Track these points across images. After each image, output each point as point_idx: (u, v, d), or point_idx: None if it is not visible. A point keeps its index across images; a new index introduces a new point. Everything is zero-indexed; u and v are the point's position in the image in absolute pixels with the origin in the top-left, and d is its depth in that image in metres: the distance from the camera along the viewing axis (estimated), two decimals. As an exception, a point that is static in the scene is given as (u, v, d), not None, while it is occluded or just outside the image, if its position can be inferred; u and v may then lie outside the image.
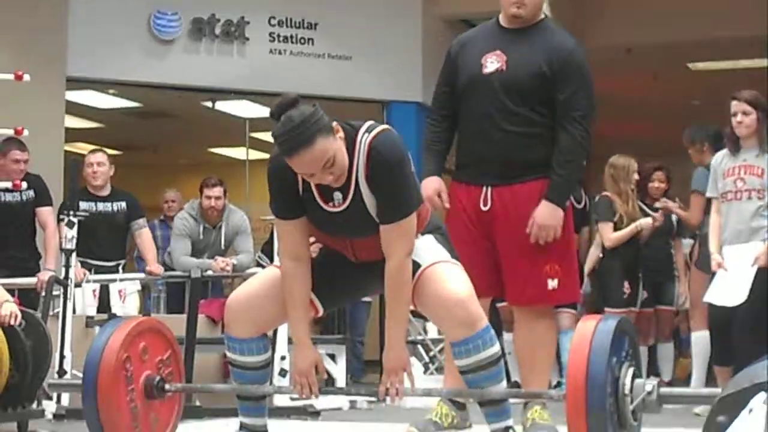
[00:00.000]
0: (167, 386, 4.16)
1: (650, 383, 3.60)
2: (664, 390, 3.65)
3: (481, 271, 4.21)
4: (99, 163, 8.12)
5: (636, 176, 8.41)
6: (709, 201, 6.96)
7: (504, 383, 3.92)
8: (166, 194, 10.85)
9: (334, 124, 3.77)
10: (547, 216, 4.87)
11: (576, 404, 3.45)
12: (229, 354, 4.12)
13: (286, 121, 3.70)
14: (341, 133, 3.79)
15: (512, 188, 4.92)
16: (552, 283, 4.90)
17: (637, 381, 3.61)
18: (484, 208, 4.94)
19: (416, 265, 3.89)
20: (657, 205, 8.52)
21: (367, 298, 9.83)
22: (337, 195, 3.88)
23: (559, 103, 4.89)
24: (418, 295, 3.90)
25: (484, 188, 4.95)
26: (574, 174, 4.97)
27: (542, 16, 5.03)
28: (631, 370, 3.62)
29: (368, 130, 3.84)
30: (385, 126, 3.91)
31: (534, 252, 4.88)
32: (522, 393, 4.81)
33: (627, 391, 3.57)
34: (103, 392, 3.96)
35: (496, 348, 3.87)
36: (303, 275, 3.95)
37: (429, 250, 3.96)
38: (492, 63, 4.95)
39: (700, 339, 7.62)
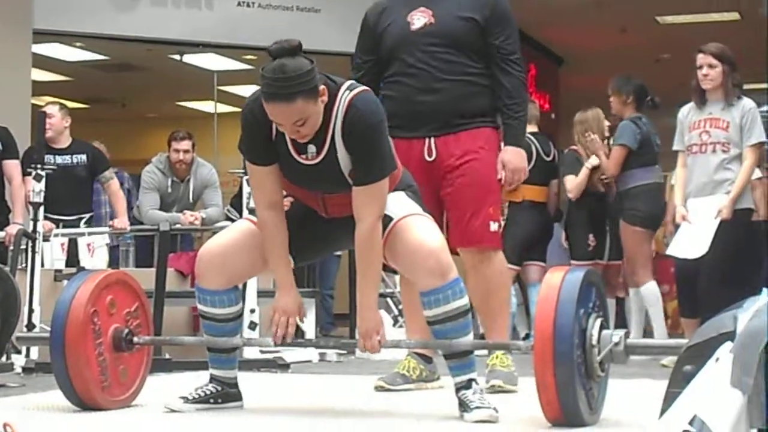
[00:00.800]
0: (135, 339, 4.16)
1: (617, 334, 3.63)
2: (631, 341, 3.67)
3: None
4: (49, 115, 7.87)
5: (607, 125, 8.40)
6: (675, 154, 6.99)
7: (471, 335, 3.94)
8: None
9: (321, 87, 3.75)
10: (515, 160, 4.97)
11: (543, 355, 3.47)
12: (199, 306, 4.12)
13: (278, 68, 3.68)
14: (325, 97, 3.77)
15: (458, 136, 4.97)
16: (493, 226, 4.99)
17: (605, 332, 3.63)
18: (428, 159, 4.97)
19: (388, 219, 3.89)
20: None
21: (337, 252, 9.85)
22: (311, 148, 3.86)
23: (494, 48, 4.96)
24: (390, 247, 3.90)
25: (427, 140, 4.98)
26: (525, 114, 5.05)
27: None
28: (598, 321, 3.63)
29: (349, 88, 3.84)
30: (366, 87, 3.91)
31: (477, 197, 4.95)
32: (490, 344, 4.85)
33: (594, 342, 3.59)
34: (71, 347, 3.95)
35: (465, 300, 3.88)
36: (281, 222, 3.95)
37: (400, 204, 3.96)
38: (419, 19, 4.99)
39: (650, 291, 7.68)
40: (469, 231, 4.97)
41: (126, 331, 4.14)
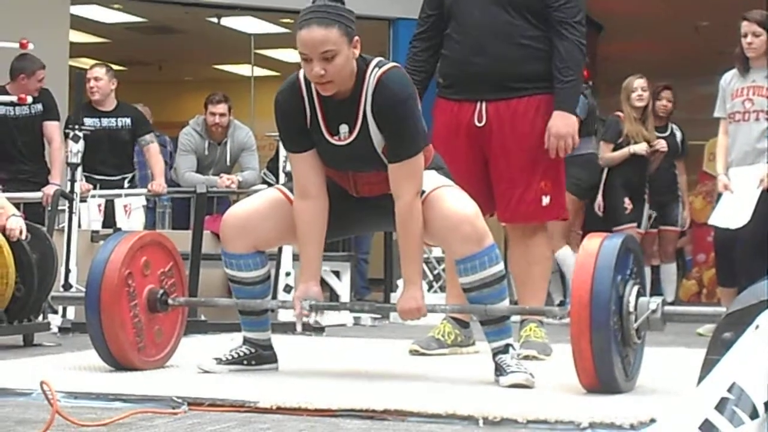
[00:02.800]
0: (170, 300, 4.17)
1: (654, 301, 3.60)
2: (669, 308, 3.65)
3: (473, 189, 4.20)
4: (96, 78, 8.02)
5: (639, 95, 8.37)
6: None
7: (507, 301, 3.92)
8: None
9: (357, 38, 3.76)
10: (562, 125, 4.85)
11: (580, 322, 3.45)
12: (226, 269, 4.12)
13: (320, 2, 3.76)
14: (358, 50, 3.77)
15: (509, 103, 4.89)
16: (545, 200, 4.91)
17: (642, 299, 3.61)
18: (478, 125, 4.91)
19: (420, 193, 3.88)
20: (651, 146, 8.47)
21: (365, 233, 9.88)
22: (344, 128, 3.86)
23: (554, 10, 4.85)
24: (425, 219, 3.88)
25: (479, 104, 4.91)
26: (579, 80, 4.95)
27: None
28: (635, 288, 3.61)
29: (378, 65, 3.83)
30: (395, 63, 3.90)
31: (529, 168, 4.88)
32: (527, 310, 4.82)
33: (631, 309, 3.57)
34: (106, 309, 3.96)
35: (500, 266, 3.86)
36: (313, 213, 3.93)
37: (431, 179, 3.94)
38: None
39: (567, 255, 7.73)
40: (520, 207, 4.91)
41: (161, 292, 4.15)
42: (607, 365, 3.47)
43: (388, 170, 3.85)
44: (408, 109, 3.81)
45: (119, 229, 7.24)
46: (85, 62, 13.11)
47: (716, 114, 6.86)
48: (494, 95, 4.88)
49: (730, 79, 6.78)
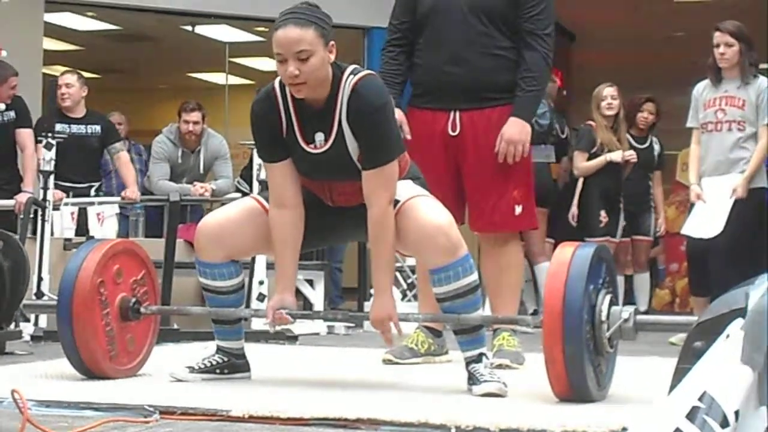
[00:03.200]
0: (142, 309, 4.16)
1: (627, 310, 3.61)
2: (641, 317, 3.66)
3: (446, 198, 4.20)
4: (67, 85, 8.05)
5: (608, 104, 8.40)
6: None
7: (480, 311, 3.92)
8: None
9: (332, 43, 3.78)
10: (515, 132, 4.85)
11: (552, 330, 3.46)
12: (200, 278, 4.12)
13: (301, 3, 3.81)
14: (333, 55, 3.79)
15: (483, 112, 4.90)
16: (518, 209, 4.93)
17: (614, 308, 3.62)
18: (452, 134, 4.91)
19: (395, 202, 3.88)
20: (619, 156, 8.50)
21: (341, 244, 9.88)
22: (319, 136, 3.86)
23: (525, 21, 4.87)
24: (398, 228, 3.88)
25: (452, 113, 4.91)
26: (540, 90, 4.98)
27: None
28: (608, 297, 3.63)
29: (353, 72, 3.83)
30: (370, 71, 3.90)
31: (501, 178, 4.89)
32: (500, 319, 4.83)
33: (604, 318, 3.58)
34: (78, 318, 3.94)
35: (474, 276, 3.87)
36: (289, 223, 3.93)
37: (406, 188, 3.94)
38: None
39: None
40: (494, 217, 4.92)
41: (133, 300, 4.13)
42: (579, 374, 3.48)
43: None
44: (383, 117, 3.81)
45: (92, 237, 7.21)
46: (58, 69, 12.99)
47: (689, 124, 6.89)
48: (468, 105, 4.89)
49: (702, 89, 6.81)
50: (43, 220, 6.67)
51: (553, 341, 3.46)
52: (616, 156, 8.32)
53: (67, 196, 7.75)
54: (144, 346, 4.26)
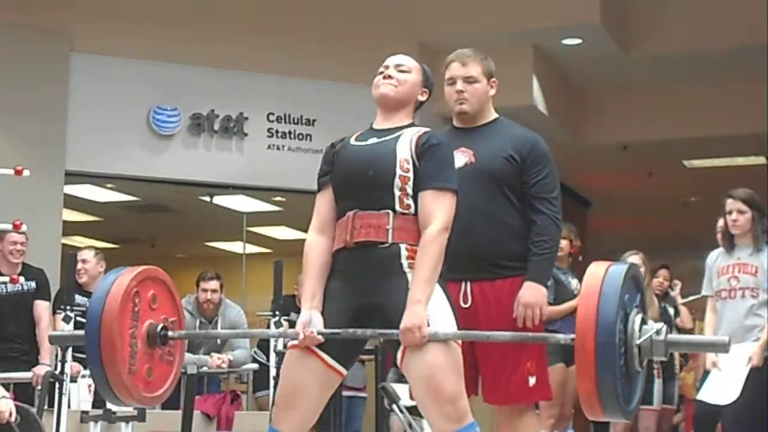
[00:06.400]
0: (170, 333, 4.29)
1: (658, 326, 3.72)
2: (672, 336, 3.76)
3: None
4: (84, 261, 8.19)
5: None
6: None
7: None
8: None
9: (425, 98, 4.32)
10: (530, 295, 4.82)
11: (585, 347, 3.59)
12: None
13: None
14: (424, 97, 4.31)
15: (494, 284, 4.88)
16: (532, 381, 4.86)
17: (644, 326, 3.72)
18: (464, 306, 4.85)
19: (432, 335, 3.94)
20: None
21: (362, 394, 9.83)
22: (372, 139, 4.17)
23: (531, 186, 4.90)
24: (412, 373, 3.97)
25: (464, 284, 4.89)
26: (553, 253, 4.97)
27: (495, 115, 5.05)
28: (639, 317, 3.73)
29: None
30: None
31: (515, 349, 4.83)
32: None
33: (637, 340, 3.68)
34: (109, 314, 4.19)
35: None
36: (326, 251, 4.13)
37: (440, 316, 4.03)
38: (460, 158, 4.80)
39: None
40: (508, 389, 4.86)
41: (161, 326, 4.31)
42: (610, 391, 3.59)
43: (394, 214, 4.05)
44: (447, 152, 4.14)
45: (109, 410, 7.20)
46: (78, 240, 13.22)
47: (703, 292, 6.92)
48: (479, 275, 4.87)
49: (716, 257, 6.85)
50: (60, 393, 6.67)
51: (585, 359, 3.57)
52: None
53: (84, 369, 7.76)
54: (161, 387, 4.28)
